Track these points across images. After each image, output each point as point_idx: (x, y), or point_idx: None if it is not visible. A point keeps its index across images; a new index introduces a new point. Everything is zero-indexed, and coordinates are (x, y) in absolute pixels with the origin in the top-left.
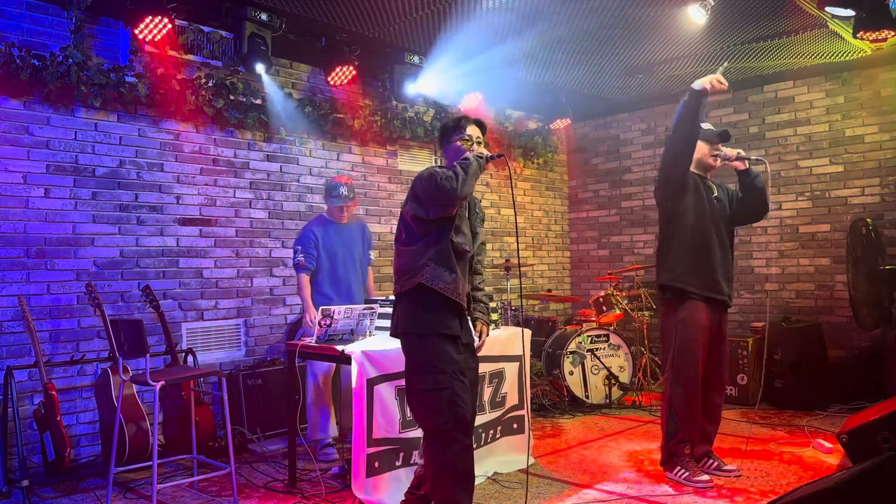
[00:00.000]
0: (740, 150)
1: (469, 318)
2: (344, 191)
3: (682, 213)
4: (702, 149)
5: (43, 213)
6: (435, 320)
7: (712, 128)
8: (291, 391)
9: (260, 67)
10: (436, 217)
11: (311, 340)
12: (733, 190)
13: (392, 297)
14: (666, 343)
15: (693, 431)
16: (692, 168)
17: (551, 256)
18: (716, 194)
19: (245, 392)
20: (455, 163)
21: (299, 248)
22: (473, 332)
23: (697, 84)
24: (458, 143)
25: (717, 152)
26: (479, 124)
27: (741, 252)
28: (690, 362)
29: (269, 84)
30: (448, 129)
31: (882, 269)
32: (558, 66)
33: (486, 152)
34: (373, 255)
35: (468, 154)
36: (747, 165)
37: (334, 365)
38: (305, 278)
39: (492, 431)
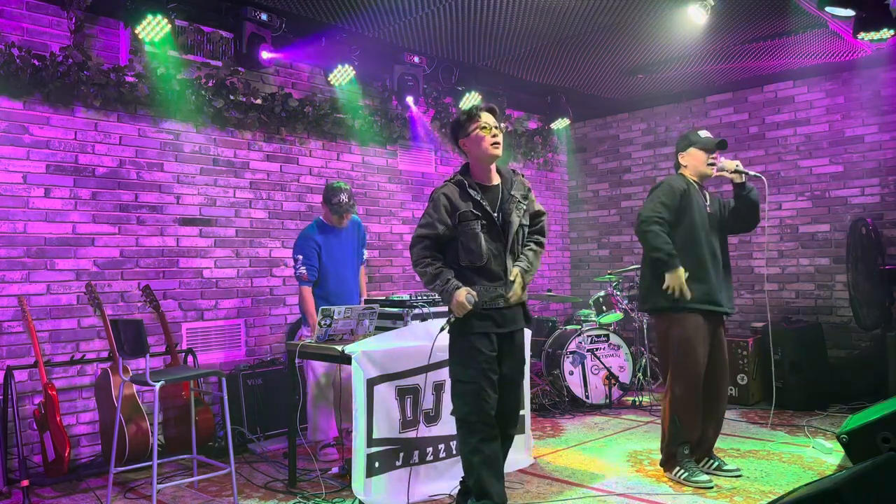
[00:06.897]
0: (738, 163)
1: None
2: (344, 198)
3: (676, 229)
4: (698, 157)
5: (43, 213)
6: (470, 324)
7: (710, 136)
8: (291, 391)
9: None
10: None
11: (310, 339)
12: (725, 200)
13: (393, 298)
14: (663, 348)
15: (693, 433)
16: (689, 175)
17: (551, 256)
18: (708, 203)
19: (245, 392)
20: (438, 279)
21: (300, 257)
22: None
23: (671, 281)
24: (477, 131)
25: (714, 162)
26: (492, 111)
27: (741, 252)
28: (691, 363)
29: (268, 84)
30: (461, 122)
31: (882, 269)
32: (558, 66)
33: (462, 296)
34: (366, 253)
35: (450, 286)
36: (743, 179)
37: (336, 364)
38: (309, 291)
39: None
